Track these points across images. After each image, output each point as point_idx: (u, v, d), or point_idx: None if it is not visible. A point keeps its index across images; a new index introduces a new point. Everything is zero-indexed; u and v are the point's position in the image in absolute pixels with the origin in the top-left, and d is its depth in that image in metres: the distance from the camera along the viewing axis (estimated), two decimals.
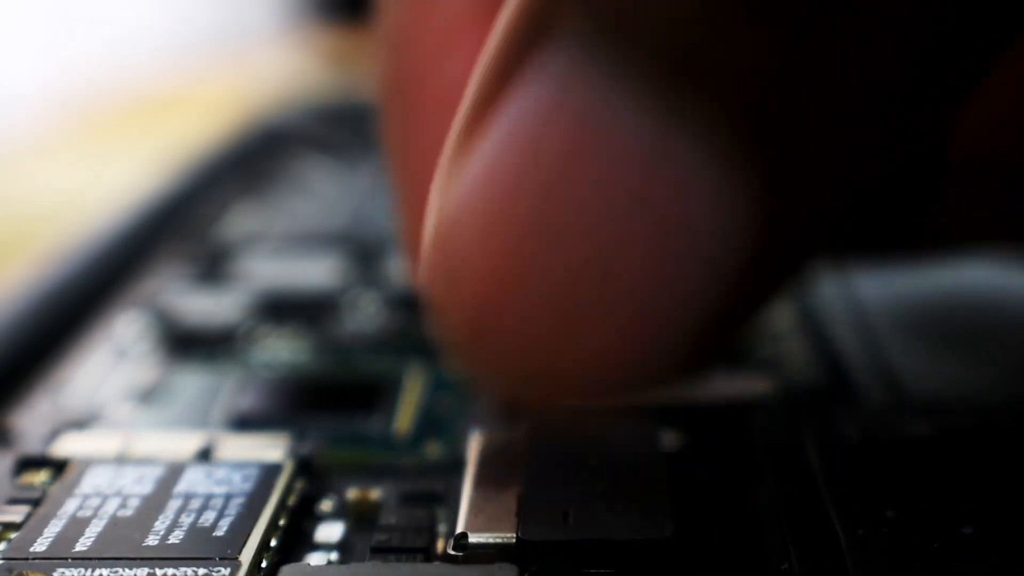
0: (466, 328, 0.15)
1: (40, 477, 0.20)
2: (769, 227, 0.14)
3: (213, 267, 0.32)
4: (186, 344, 0.27)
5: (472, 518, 0.18)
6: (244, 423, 0.23)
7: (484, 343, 0.15)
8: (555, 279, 0.14)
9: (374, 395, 0.24)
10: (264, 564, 0.18)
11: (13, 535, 0.18)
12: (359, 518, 0.20)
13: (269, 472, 0.20)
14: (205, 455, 0.21)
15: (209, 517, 0.19)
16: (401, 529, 0.19)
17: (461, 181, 0.15)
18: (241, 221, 0.36)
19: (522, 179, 0.14)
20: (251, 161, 0.42)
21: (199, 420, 0.24)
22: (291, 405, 0.24)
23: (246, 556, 0.18)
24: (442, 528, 0.19)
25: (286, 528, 0.19)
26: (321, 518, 0.20)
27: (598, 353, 0.14)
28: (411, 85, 0.20)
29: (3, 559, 0.18)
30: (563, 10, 0.14)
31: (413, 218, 0.20)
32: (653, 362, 0.14)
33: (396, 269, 0.31)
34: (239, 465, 0.20)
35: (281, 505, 0.19)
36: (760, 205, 0.14)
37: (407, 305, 0.28)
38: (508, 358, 0.15)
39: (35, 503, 0.19)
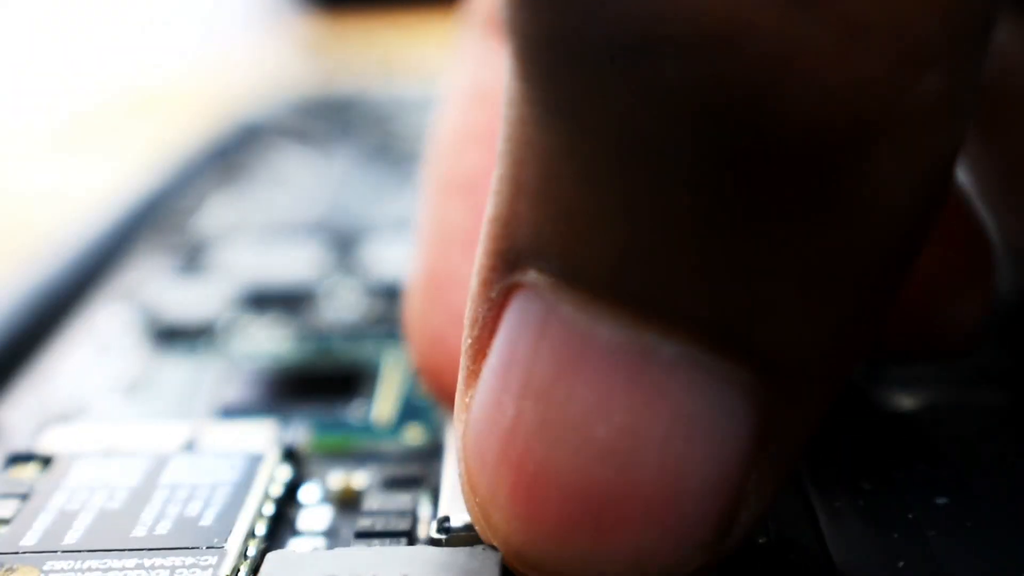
0: (509, 551, 0.15)
1: (28, 472, 0.20)
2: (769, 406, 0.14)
3: (193, 259, 0.32)
4: (169, 336, 0.27)
5: (454, 501, 0.18)
6: (227, 413, 0.23)
7: (527, 563, 0.15)
8: (578, 492, 0.14)
9: (355, 382, 0.24)
10: (250, 551, 0.18)
11: (3, 530, 0.18)
12: (343, 504, 0.20)
13: (253, 461, 0.20)
14: (190, 445, 0.21)
15: (195, 507, 0.19)
16: (384, 514, 0.19)
17: (473, 413, 0.15)
18: (220, 212, 0.36)
19: (523, 407, 0.14)
20: (230, 152, 0.42)
21: (183, 411, 0.24)
22: (273, 394, 0.24)
23: (232, 544, 0.18)
24: (424, 512, 0.19)
25: (271, 515, 0.19)
26: (305, 505, 0.20)
27: (637, 551, 0.14)
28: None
29: None
30: (527, 263, 0.14)
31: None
32: (689, 547, 0.15)
33: (374, 257, 0.31)
34: (223, 454, 0.20)
35: (265, 493, 0.19)
36: (755, 390, 0.14)
37: (386, 293, 0.28)
38: (551, 571, 0.15)
39: (23, 497, 0.19)
